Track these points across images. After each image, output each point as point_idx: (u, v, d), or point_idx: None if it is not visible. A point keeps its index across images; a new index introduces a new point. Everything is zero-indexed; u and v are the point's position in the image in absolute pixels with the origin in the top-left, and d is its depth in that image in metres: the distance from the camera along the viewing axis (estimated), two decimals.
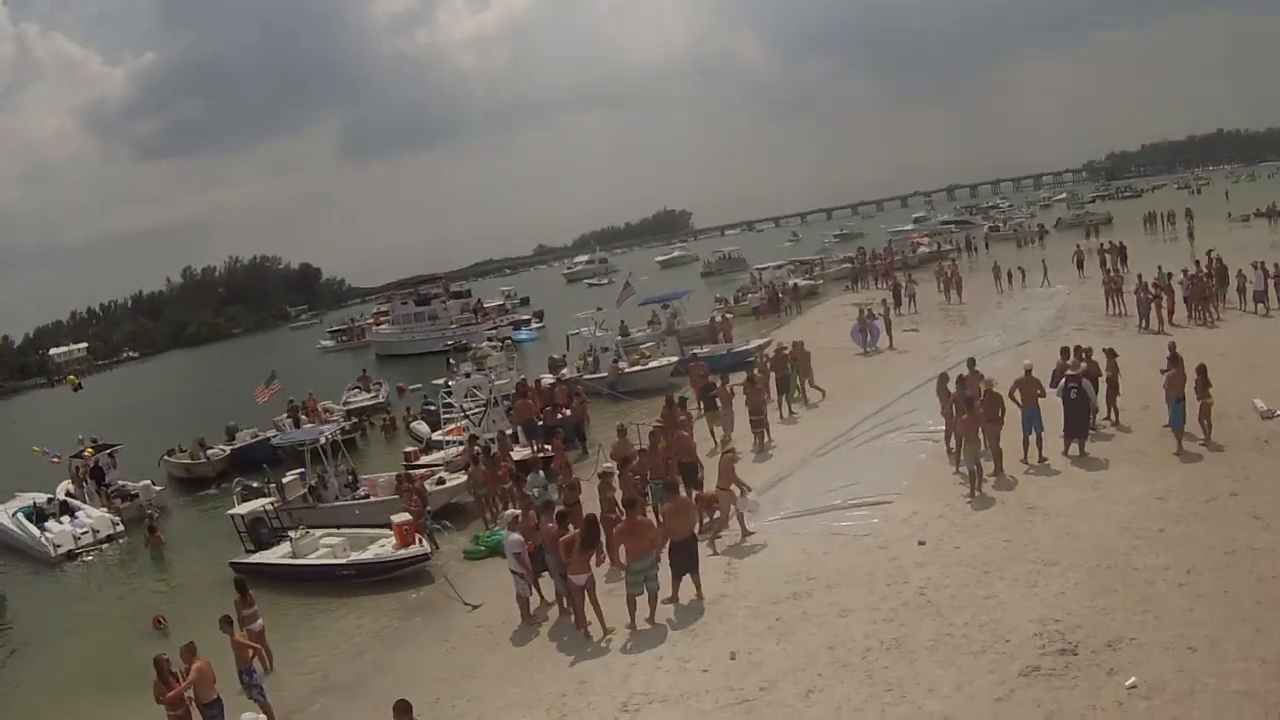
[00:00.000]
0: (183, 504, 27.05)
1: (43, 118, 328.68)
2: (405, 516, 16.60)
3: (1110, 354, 16.65)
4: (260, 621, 13.41)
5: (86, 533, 23.19)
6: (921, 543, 12.42)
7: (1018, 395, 15.13)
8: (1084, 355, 16.14)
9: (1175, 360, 15.07)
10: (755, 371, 21.00)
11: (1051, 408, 15.28)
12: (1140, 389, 16.74)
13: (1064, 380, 15.30)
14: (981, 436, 14.28)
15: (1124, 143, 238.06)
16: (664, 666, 10.40)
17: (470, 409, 25.08)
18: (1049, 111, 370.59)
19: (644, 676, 10.28)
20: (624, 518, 11.89)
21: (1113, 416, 16.32)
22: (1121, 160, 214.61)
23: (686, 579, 11.86)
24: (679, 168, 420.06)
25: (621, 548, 11.56)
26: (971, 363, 16.80)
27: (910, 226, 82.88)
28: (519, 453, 20.62)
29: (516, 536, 12.60)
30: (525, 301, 70.74)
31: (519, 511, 13.18)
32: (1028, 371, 15.53)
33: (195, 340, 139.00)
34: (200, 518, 24.86)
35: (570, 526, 12.04)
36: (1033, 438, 15.01)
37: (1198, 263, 27.86)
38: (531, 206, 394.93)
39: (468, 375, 26.77)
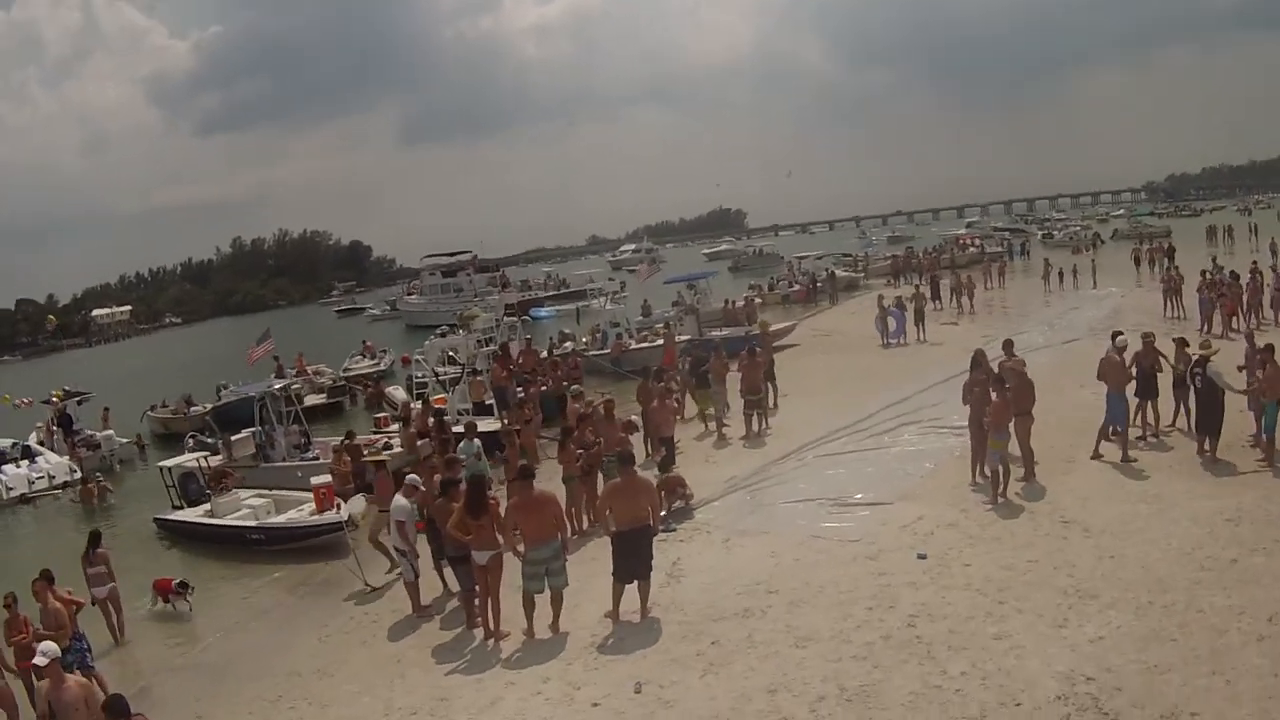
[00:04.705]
0: (158, 457, 25.71)
1: (103, 88, 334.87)
2: (326, 479, 14.55)
3: (1181, 343, 13.71)
4: (113, 584, 11.54)
5: (42, 478, 23.09)
6: (922, 556, 9.69)
7: (1131, 367, 12.66)
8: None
9: (1269, 354, 11.95)
10: (757, 347, 18.25)
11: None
12: None
13: (1190, 367, 12.56)
14: (1012, 430, 11.53)
15: (1185, 165, 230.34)
16: (546, 692, 7.83)
17: (444, 374, 22.73)
18: (1110, 129, 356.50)
19: (516, 702, 7.76)
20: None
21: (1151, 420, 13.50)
22: (1181, 182, 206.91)
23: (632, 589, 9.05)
24: (736, 167, 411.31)
25: (518, 531, 8.89)
26: (1008, 344, 14.00)
27: (963, 230, 79.52)
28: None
29: (404, 503, 10.23)
30: (564, 284, 69.12)
31: (419, 478, 10.65)
32: (1148, 342, 13.21)
33: (240, 309, 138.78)
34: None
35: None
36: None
37: (1257, 270, 24.62)
38: (588, 199, 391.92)
39: (442, 334, 24.37)
